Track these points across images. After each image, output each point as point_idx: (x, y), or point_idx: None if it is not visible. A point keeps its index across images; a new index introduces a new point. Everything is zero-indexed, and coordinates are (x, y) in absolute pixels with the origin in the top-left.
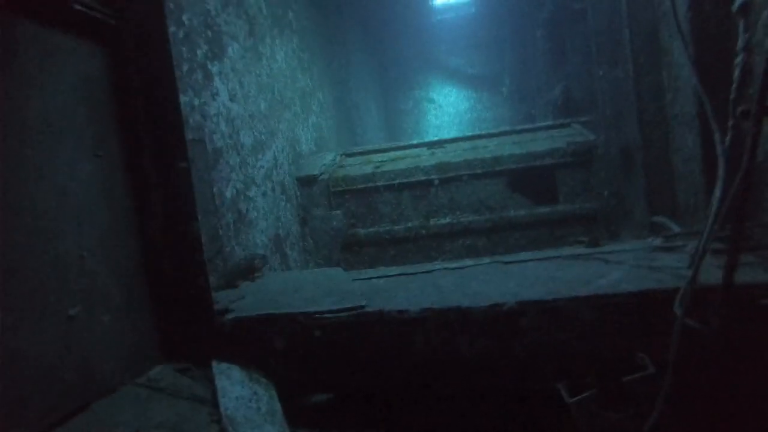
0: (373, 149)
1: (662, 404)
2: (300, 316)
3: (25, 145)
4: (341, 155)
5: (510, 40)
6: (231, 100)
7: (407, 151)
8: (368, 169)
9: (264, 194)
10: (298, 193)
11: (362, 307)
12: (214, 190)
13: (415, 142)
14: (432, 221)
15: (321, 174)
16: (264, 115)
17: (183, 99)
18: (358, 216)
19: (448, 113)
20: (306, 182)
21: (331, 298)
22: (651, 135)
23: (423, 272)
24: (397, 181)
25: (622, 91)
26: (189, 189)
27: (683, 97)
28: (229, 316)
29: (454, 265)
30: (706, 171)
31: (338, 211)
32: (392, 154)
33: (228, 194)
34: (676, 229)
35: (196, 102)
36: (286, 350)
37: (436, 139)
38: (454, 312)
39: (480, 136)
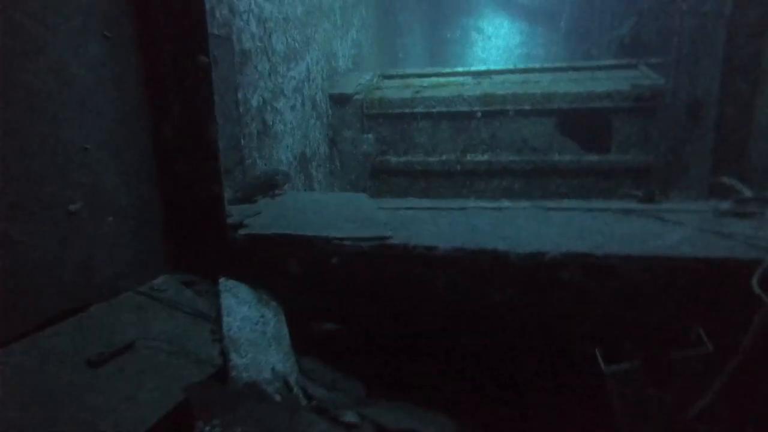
0: (414, 73)
1: (719, 388)
2: (317, 240)
3: (20, 12)
4: (379, 76)
5: None
6: None
7: (450, 79)
8: (407, 93)
9: (293, 108)
10: (330, 112)
11: (386, 237)
12: (239, 95)
13: (460, 69)
14: (469, 156)
15: (356, 93)
16: (300, 21)
17: None
18: (390, 142)
19: (497, 46)
20: (339, 101)
21: (352, 224)
22: (736, 84)
23: (456, 208)
24: (437, 110)
25: (707, 29)
26: (209, 88)
27: None
28: (243, 231)
29: (490, 204)
30: None
31: (370, 135)
32: (434, 80)
33: (254, 102)
34: (748, 193)
35: None
36: (300, 274)
37: (483, 68)
38: (488, 255)
39: (532, 70)
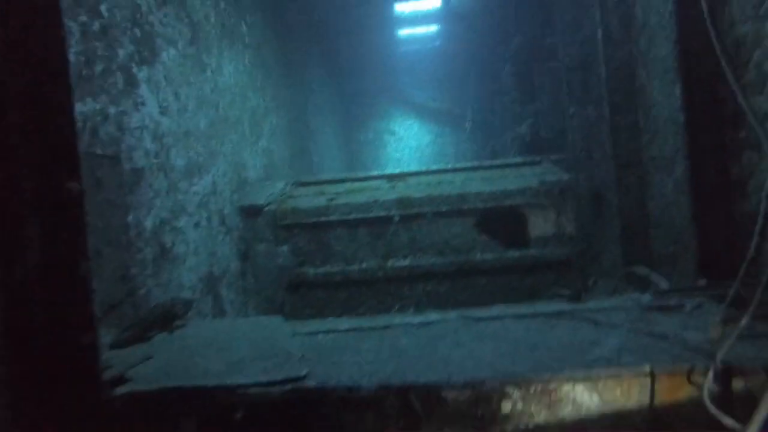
0: (328, 179)
1: None
2: (218, 391)
3: None
4: (292, 184)
5: (475, 75)
6: (162, 113)
7: (365, 183)
8: (321, 201)
9: (197, 225)
10: (240, 225)
11: (301, 378)
12: (130, 218)
13: (374, 173)
14: (390, 262)
15: (267, 204)
16: (204, 134)
17: (92, 106)
18: (307, 253)
19: (408, 146)
20: (250, 213)
21: (262, 362)
22: (626, 179)
23: (379, 327)
24: (353, 216)
25: (594, 131)
26: (79, 219)
27: (661, 139)
28: (122, 389)
29: (416, 320)
30: (697, 217)
31: (285, 247)
32: (349, 185)
33: (148, 224)
34: (664, 284)
35: (112, 110)
36: None
37: (397, 171)
38: (420, 390)
39: (445, 170)
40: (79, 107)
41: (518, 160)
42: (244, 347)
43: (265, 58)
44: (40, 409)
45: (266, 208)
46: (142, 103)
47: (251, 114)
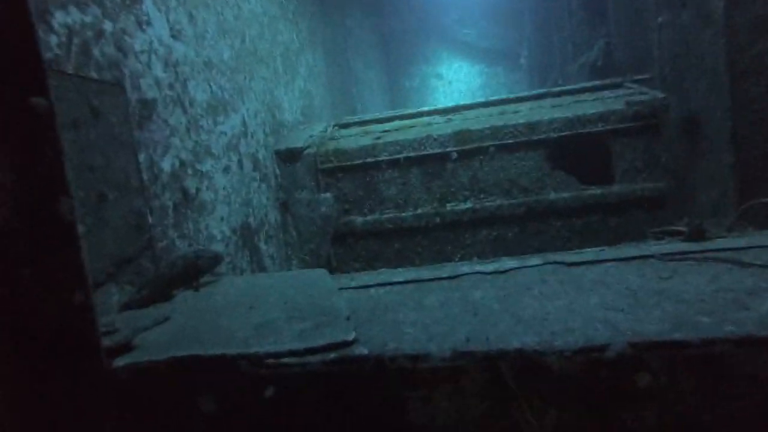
0: (374, 119)
1: None
2: (242, 361)
3: None
4: (334, 126)
5: (530, 6)
6: (174, 37)
7: (416, 120)
8: (367, 140)
9: (226, 170)
10: (278, 171)
11: (347, 344)
12: (141, 158)
13: (426, 108)
14: (449, 206)
15: (307, 147)
16: (229, 67)
17: (78, 17)
18: (353, 200)
19: (459, 90)
20: (288, 157)
21: (300, 323)
22: (746, 90)
23: (445, 278)
24: (404, 155)
25: (690, 41)
26: (53, 145)
27: None
28: (122, 360)
29: (490, 267)
30: None
31: (328, 194)
32: (397, 123)
33: (166, 166)
34: None
35: (108, 27)
36: (218, 418)
37: (452, 104)
38: (512, 358)
39: (508, 101)
40: (60, 17)
41: (594, 83)
42: (278, 305)
43: None
44: (30, 384)
45: (305, 152)
46: (148, 23)
47: (284, 50)
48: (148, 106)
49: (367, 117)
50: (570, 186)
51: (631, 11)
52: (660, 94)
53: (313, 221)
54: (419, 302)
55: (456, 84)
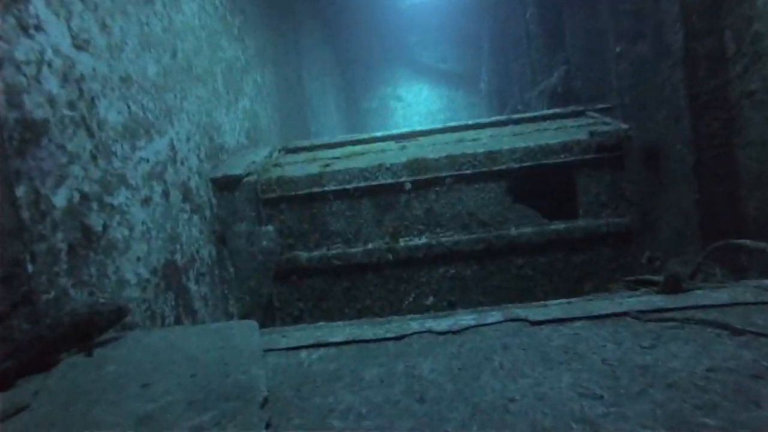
0: (324, 144)
1: None
2: None
3: None
4: (280, 151)
5: (489, 30)
6: (79, 47)
7: (368, 146)
8: (314, 168)
9: (146, 202)
10: (215, 201)
11: None
12: (21, 191)
13: (379, 134)
14: (402, 242)
15: (248, 174)
16: (154, 84)
17: None
18: (298, 234)
19: (418, 113)
20: (226, 185)
21: (198, 414)
22: (705, 124)
23: (391, 338)
24: (354, 185)
25: (647, 71)
26: None
27: None
28: None
29: (444, 324)
30: None
31: (270, 227)
32: (348, 149)
33: (60, 200)
34: None
35: None
36: None
37: (407, 130)
38: None
39: (466, 127)
40: None
41: (555, 111)
42: (182, 380)
43: (243, 3)
44: None
45: (246, 179)
46: (37, 26)
47: (227, 68)
48: (34, 128)
49: (317, 142)
50: (532, 221)
51: (588, 39)
52: (623, 125)
53: (253, 256)
54: (358, 375)
55: (416, 106)
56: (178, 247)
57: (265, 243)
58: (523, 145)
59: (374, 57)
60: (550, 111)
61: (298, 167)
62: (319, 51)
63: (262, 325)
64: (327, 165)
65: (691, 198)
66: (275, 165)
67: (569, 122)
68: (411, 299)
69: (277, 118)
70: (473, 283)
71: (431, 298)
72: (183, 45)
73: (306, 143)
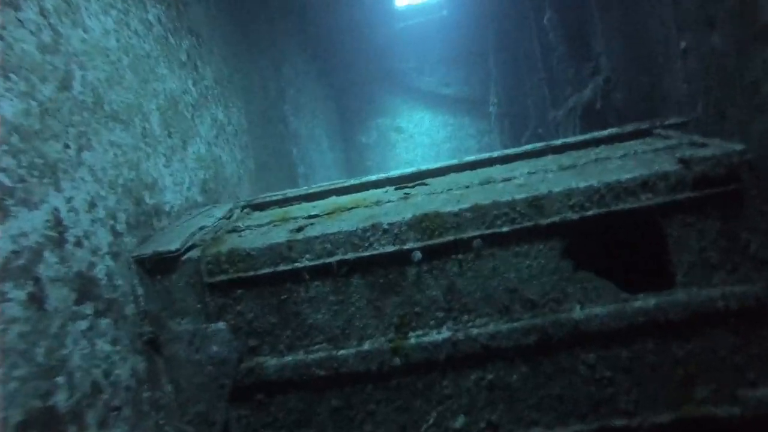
0: (299, 194)
1: None
2: None
3: None
4: (243, 208)
5: (495, 43)
6: None
7: (359, 196)
8: (281, 234)
9: None
10: (140, 291)
11: None
12: None
13: (372, 178)
14: (413, 337)
15: (189, 248)
16: (20, 129)
17: None
18: (262, 331)
19: (422, 144)
20: (156, 267)
21: None
22: None
23: None
24: (338, 257)
25: (726, 69)
26: None
27: None
28: None
29: None
30: None
31: (222, 324)
32: (331, 202)
33: None
34: None
35: None
36: None
37: (410, 170)
38: None
39: (491, 161)
40: None
41: (612, 132)
42: None
43: (196, 23)
44: None
45: (187, 257)
46: None
47: (168, 102)
48: None
49: (291, 193)
50: (605, 295)
51: (630, 39)
52: (737, 146)
53: (200, 368)
54: None
55: (418, 137)
56: (61, 381)
57: (215, 348)
58: (581, 185)
59: (370, 86)
60: (605, 133)
61: (260, 233)
62: (307, 79)
63: None
64: (300, 229)
65: None
66: (231, 231)
67: (638, 146)
68: (431, 422)
69: (250, 163)
70: (523, 393)
71: (461, 419)
72: (85, 73)
73: (277, 195)
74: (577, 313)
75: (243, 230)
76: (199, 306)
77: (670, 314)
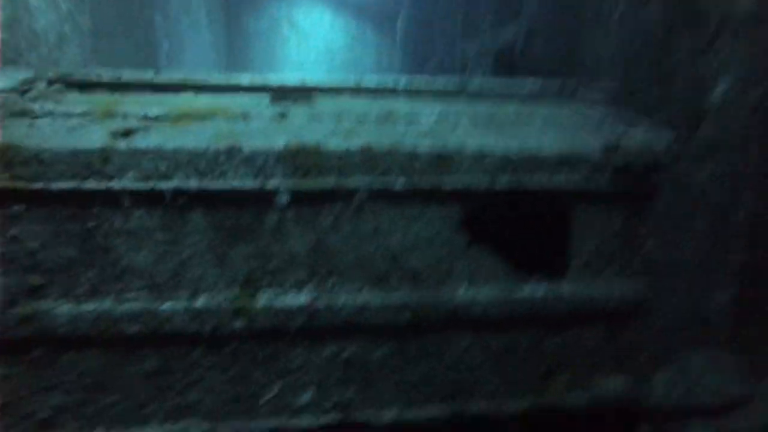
0: (141, 81)
1: None
2: None
3: None
4: (50, 82)
5: None
6: None
7: (221, 101)
8: (96, 136)
9: None
10: None
11: None
12: None
13: (245, 79)
14: (262, 298)
15: None
16: None
17: None
18: (52, 268)
19: (316, 49)
20: None
21: None
22: None
23: None
24: (174, 185)
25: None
26: None
27: None
28: None
29: None
30: None
31: None
32: (182, 101)
33: None
34: None
35: None
36: None
37: (296, 80)
38: None
39: (394, 91)
40: None
41: (535, 86)
42: None
43: None
44: None
45: None
46: None
47: None
48: None
49: (130, 76)
50: (494, 277)
51: None
52: (666, 135)
53: None
54: None
55: (314, 40)
56: None
57: None
58: (498, 148)
59: None
60: (528, 85)
61: (65, 128)
62: None
63: None
64: (127, 133)
65: (733, 259)
66: (19, 114)
67: (562, 111)
68: (272, 395)
69: (83, 21)
70: (382, 373)
71: (309, 393)
72: None
73: (109, 75)
74: (462, 293)
75: (39, 117)
76: None
77: (553, 308)
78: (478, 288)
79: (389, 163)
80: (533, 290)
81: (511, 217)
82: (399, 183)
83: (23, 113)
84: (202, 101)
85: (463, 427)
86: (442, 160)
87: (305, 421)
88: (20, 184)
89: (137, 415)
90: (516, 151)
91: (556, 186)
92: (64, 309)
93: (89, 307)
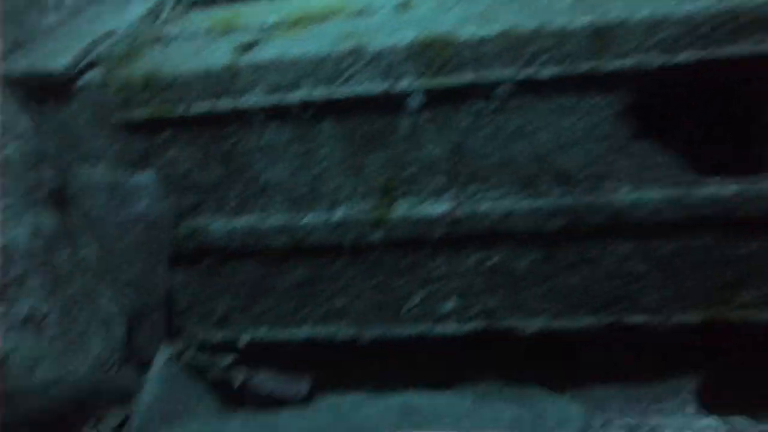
0: None
1: None
2: None
3: None
4: (175, 5)
5: None
6: None
7: (336, 3)
8: (221, 53)
9: None
10: (25, 125)
11: None
12: None
13: None
14: (403, 207)
15: (83, 67)
16: None
17: None
18: (203, 187)
19: None
20: (40, 93)
21: None
22: None
23: None
24: (302, 96)
25: None
26: None
27: None
28: None
29: None
30: None
31: (147, 174)
32: (296, 5)
33: None
34: None
35: None
36: None
37: None
38: None
39: None
40: None
41: None
42: None
43: None
44: None
45: (83, 80)
46: None
47: None
48: None
49: None
50: (665, 175)
51: None
52: None
53: (128, 227)
54: None
55: None
56: None
57: (143, 204)
58: (678, 10)
59: None
60: None
61: (193, 48)
62: None
63: (168, 332)
64: (249, 46)
65: None
66: (154, 40)
67: None
68: (416, 302)
69: None
70: (530, 281)
71: (453, 302)
72: None
73: None
74: (624, 195)
75: (171, 40)
76: (115, 149)
77: (746, 210)
78: (643, 189)
79: (535, 49)
80: (718, 189)
81: (694, 101)
82: (547, 71)
83: (157, 39)
84: (315, 4)
85: (618, 340)
86: (601, 37)
87: (449, 328)
88: (162, 113)
89: (293, 318)
90: (705, 11)
91: (759, 53)
92: (218, 224)
93: (238, 222)
